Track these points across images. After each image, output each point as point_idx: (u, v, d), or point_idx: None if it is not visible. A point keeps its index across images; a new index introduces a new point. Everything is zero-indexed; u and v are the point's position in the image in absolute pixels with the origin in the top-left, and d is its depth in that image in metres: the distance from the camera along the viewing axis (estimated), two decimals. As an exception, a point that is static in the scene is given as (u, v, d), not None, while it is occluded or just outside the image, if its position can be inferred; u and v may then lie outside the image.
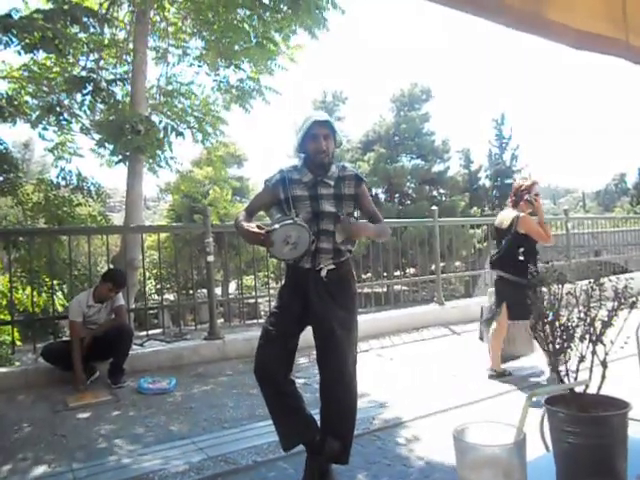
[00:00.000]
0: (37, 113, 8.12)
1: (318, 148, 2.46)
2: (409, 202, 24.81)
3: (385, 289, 8.78)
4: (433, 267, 7.08)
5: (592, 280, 0.98)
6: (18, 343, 5.54)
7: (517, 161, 29.01)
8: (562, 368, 0.97)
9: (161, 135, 7.52)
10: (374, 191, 26.22)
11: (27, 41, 5.82)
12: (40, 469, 2.82)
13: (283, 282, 2.68)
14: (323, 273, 2.45)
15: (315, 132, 2.46)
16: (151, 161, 8.41)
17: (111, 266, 5.56)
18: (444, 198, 25.06)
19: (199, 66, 8.58)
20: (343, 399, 2.47)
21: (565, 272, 1.03)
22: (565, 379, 0.97)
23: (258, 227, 2.29)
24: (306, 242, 2.33)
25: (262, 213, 2.85)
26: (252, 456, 2.85)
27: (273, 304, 2.66)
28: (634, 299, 0.93)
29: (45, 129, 8.21)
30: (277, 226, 2.26)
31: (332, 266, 2.47)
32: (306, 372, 4.35)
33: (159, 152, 7.99)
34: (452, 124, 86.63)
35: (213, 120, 8.80)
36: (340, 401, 2.47)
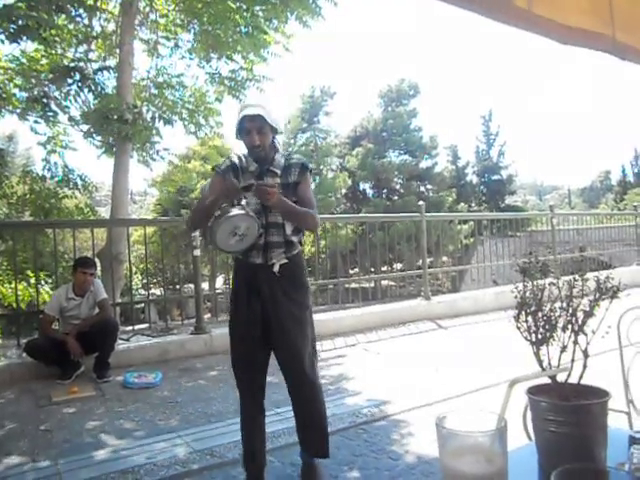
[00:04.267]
0: (23, 105, 8.01)
1: (252, 143, 2.33)
2: (397, 198, 24.90)
3: (372, 284, 8.82)
4: (420, 262, 7.11)
5: (575, 272, 0.99)
6: (0, 341, 5.49)
7: (504, 157, 29.28)
8: (544, 358, 0.98)
9: (149, 123, 7.47)
10: (362, 186, 26.30)
11: (11, 30, 5.73)
12: (25, 464, 2.80)
13: (233, 285, 2.52)
14: (275, 268, 2.35)
15: (246, 126, 2.34)
16: (144, 154, 8.35)
17: (96, 259, 5.52)
18: (431, 194, 25.19)
19: (190, 58, 8.51)
20: (310, 396, 2.45)
21: (550, 267, 1.05)
22: (547, 369, 0.98)
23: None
24: (254, 234, 2.24)
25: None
26: (238, 449, 2.83)
27: (230, 314, 2.48)
28: (614, 289, 0.95)
29: (37, 122, 8.12)
30: (228, 215, 2.17)
31: (284, 260, 2.38)
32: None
33: (150, 144, 7.94)
34: (440, 120, 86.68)
35: (206, 111, 8.74)
36: (308, 398, 2.45)
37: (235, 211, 2.20)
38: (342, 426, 3.14)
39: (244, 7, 7.39)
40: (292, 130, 26.11)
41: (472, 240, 15.20)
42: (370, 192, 26.33)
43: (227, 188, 2.24)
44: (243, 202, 2.27)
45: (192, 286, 6.41)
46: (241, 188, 2.25)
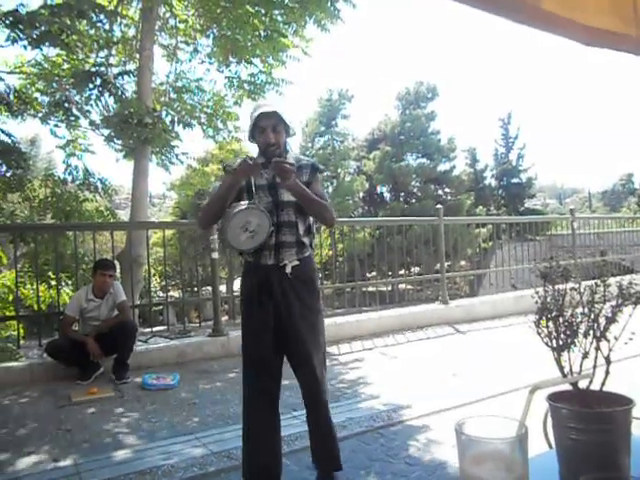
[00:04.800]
0: (46, 110, 8.17)
1: (267, 141, 2.34)
2: (414, 201, 24.78)
3: (390, 288, 8.78)
4: (438, 266, 7.06)
5: (596, 277, 0.98)
6: (22, 341, 5.58)
7: (523, 160, 28.94)
8: (565, 364, 0.97)
9: (169, 127, 7.57)
10: (379, 189, 26.24)
11: (34, 36, 5.85)
12: (45, 463, 2.83)
13: (243, 288, 2.46)
14: (288, 270, 2.32)
15: (262, 124, 2.34)
16: (163, 157, 8.45)
17: (116, 262, 5.59)
18: (449, 197, 25.01)
19: (209, 63, 8.60)
20: (324, 403, 2.41)
21: (571, 272, 1.03)
22: (568, 375, 0.97)
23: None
24: (265, 231, 2.22)
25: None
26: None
27: (243, 318, 2.43)
28: (638, 294, 0.93)
29: (56, 126, 8.27)
30: (239, 208, 2.17)
31: (296, 262, 2.35)
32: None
33: (169, 147, 8.04)
34: (458, 123, 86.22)
35: (224, 115, 8.81)
36: (323, 406, 2.41)
37: (246, 205, 2.20)
38: (359, 430, 3.13)
39: (263, 12, 7.45)
40: (310, 134, 26.15)
41: (490, 244, 15.06)
42: (387, 195, 26.23)
43: (247, 164, 2.23)
44: (254, 199, 2.27)
45: (210, 288, 6.44)
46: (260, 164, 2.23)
